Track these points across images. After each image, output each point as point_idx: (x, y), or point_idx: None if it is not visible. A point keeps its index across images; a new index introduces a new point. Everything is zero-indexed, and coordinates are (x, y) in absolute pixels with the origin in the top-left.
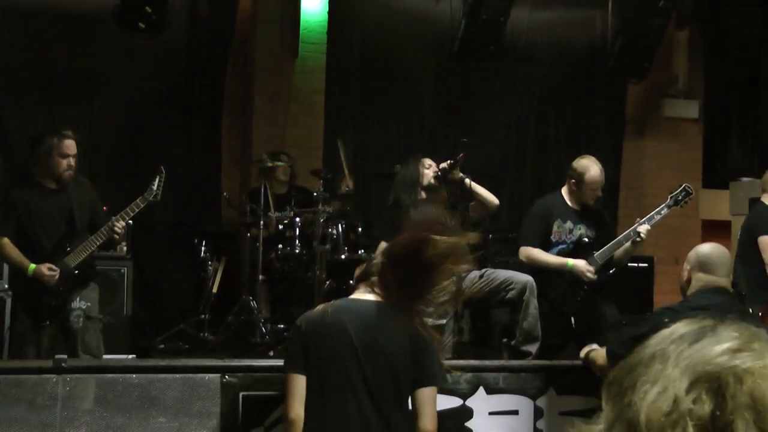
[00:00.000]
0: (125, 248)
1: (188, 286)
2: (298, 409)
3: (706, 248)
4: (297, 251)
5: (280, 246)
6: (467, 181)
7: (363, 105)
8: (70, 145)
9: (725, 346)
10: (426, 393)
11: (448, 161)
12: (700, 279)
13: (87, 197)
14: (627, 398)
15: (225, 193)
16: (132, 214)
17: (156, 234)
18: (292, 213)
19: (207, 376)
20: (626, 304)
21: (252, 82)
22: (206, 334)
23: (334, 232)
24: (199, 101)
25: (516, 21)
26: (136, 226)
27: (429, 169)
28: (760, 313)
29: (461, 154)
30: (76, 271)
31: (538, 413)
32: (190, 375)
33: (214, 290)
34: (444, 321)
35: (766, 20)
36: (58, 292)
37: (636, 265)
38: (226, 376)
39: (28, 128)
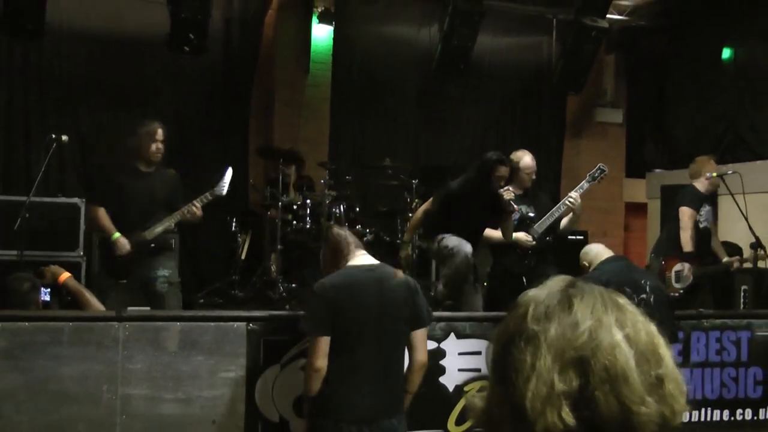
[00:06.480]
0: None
1: (222, 253)
2: (322, 361)
3: (594, 245)
4: (308, 226)
5: (294, 222)
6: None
7: (360, 111)
8: (159, 132)
9: (584, 326)
10: (420, 333)
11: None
12: (601, 254)
13: (170, 184)
14: (510, 384)
15: (251, 180)
16: (204, 203)
17: None
18: (301, 198)
19: (236, 324)
20: (566, 269)
21: (273, 92)
22: (236, 291)
23: (337, 211)
24: (231, 108)
25: (481, 45)
26: None
27: (506, 192)
28: (663, 262)
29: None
30: (152, 245)
31: None
32: (223, 323)
33: (243, 257)
34: None
35: (671, 47)
36: (134, 258)
37: (574, 237)
38: (251, 324)
39: (100, 134)
